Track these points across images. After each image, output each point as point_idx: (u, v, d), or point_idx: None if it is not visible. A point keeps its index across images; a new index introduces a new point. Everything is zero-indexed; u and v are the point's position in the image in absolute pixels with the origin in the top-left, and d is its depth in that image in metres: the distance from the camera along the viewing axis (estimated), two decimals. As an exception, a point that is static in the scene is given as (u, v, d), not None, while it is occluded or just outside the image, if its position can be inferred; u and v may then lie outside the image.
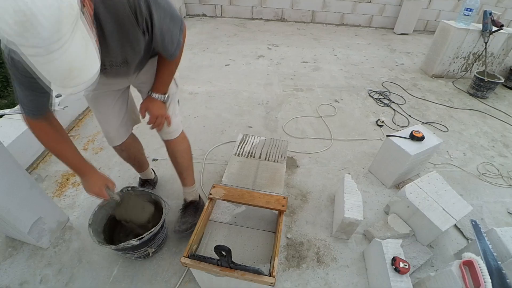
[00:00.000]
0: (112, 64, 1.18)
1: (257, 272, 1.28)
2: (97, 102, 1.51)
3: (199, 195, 2.02)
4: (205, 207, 1.65)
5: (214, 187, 1.75)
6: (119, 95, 1.56)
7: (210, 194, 1.71)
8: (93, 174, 1.41)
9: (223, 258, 1.25)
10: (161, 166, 2.43)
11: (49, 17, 0.65)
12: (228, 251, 1.21)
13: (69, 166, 1.37)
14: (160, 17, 1.10)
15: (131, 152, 1.84)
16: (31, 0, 0.63)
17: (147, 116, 1.50)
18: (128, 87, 1.63)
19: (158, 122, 1.49)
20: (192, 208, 1.94)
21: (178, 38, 1.25)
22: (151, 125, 1.50)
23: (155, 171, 2.30)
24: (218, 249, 1.20)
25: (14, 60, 0.93)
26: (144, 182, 2.15)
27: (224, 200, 1.70)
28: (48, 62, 0.70)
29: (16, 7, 0.62)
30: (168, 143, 1.67)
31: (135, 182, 2.23)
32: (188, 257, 1.33)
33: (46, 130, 1.23)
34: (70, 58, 0.72)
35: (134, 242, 1.49)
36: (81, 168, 1.38)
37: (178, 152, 1.71)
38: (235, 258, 1.31)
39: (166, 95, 1.49)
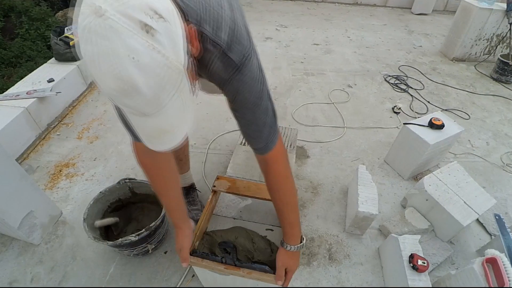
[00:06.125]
0: None
1: (265, 270, 1.26)
2: None
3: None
4: (209, 200, 1.62)
5: (218, 178, 1.73)
6: None
7: (214, 186, 1.68)
8: (185, 231, 1.33)
9: (228, 255, 1.24)
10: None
11: (152, 87, 0.62)
12: (233, 248, 1.19)
13: (169, 211, 1.34)
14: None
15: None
16: (137, 67, 0.58)
17: None
18: None
19: (289, 277, 1.27)
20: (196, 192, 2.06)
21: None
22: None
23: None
24: (223, 245, 1.19)
25: None
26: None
27: (228, 192, 1.68)
28: (141, 122, 0.73)
29: (119, 74, 0.59)
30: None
31: (132, 174, 2.21)
32: (190, 254, 1.31)
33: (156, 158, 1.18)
34: (162, 123, 0.73)
35: (132, 238, 1.48)
36: (180, 217, 1.33)
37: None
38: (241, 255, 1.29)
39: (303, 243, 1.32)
